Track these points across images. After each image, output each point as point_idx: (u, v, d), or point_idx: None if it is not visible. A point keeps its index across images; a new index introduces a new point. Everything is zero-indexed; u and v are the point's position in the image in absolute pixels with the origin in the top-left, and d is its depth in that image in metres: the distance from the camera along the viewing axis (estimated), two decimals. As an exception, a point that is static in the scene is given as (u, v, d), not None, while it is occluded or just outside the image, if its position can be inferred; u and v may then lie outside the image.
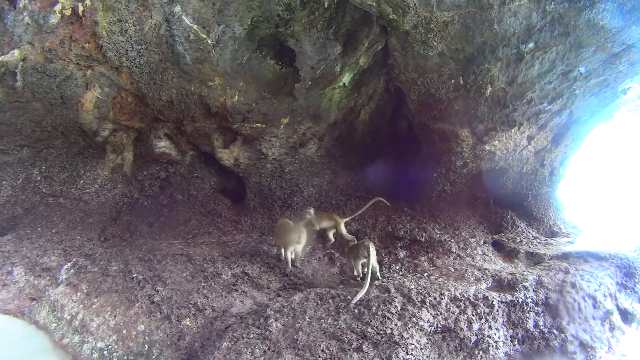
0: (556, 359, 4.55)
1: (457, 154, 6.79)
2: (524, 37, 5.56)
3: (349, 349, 3.99)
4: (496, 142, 6.72)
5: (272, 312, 4.43)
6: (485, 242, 6.62)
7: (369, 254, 4.95)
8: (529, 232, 7.11)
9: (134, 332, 4.67)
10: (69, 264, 5.83)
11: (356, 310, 4.40)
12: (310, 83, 6.27)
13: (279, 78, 6.28)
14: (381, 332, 4.16)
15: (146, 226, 6.99)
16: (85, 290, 5.32)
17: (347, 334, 4.11)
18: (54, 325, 5.05)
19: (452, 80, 6.09)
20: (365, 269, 4.99)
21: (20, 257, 5.89)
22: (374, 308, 4.41)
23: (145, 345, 4.53)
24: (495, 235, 6.82)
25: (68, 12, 5.98)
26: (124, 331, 4.71)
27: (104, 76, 6.42)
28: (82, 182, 7.33)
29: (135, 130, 7.36)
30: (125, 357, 4.50)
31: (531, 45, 5.62)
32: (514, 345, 4.60)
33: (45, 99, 6.46)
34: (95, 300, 5.17)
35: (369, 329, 4.16)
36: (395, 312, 4.38)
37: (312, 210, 6.32)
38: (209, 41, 5.77)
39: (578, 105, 6.53)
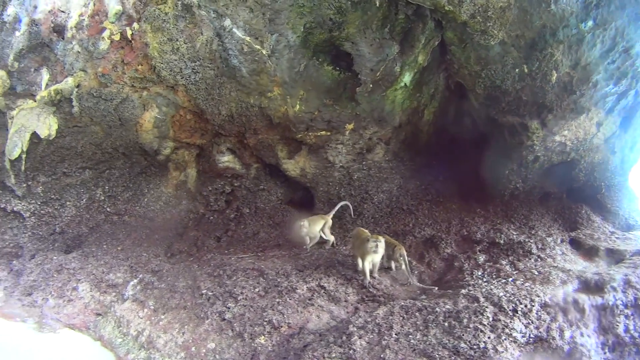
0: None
1: (528, 148, 6.43)
2: (582, 16, 5.38)
3: (441, 367, 3.71)
4: (566, 131, 6.41)
5: (355, 329, 4.15)
6: (562, 241, 6.21)
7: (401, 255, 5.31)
8: (606, 227, 6.69)
9: (204, 350, 4.50)
10: (135, 280, 5.83)
11: (446, 324, 4.09)
12: (371, 86, 6.08)
13: (338, 84, 6.16)
14: (474, 346, 3.84)
15: (213, 241, 6.93)
16: (152, 307, 5.26)
17: (439, 350, 3.80)
18: (120, 340, 5.01)
19: (517, 69, 5.87)
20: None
21: (85, 273, 5.98)
22: (465, 320, 4.08)
23: (217, 365, 4.30)
24: (571, 233, 6.40)
25: (117, 37, 6.14)
26: (193, 349, 4.56)
27: (160, 96, 6.51)
28: (146, 200, 7.41)
29: (197, 147, 7.40)
30: (194, 376, 4.28)
31: (590, 23, 5.43)
32: (604, 353, 4.25)
33: (103, 122, 6.64)
34: (163, 316, 5.08)
35: (462, 344, 3.84)
36: (487, 324, 4.05)
37: (306, 222, 6.10)
38: (264, 52, 5.70)
39: (643, 84, 6.18)
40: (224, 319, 4.79)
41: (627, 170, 7.14)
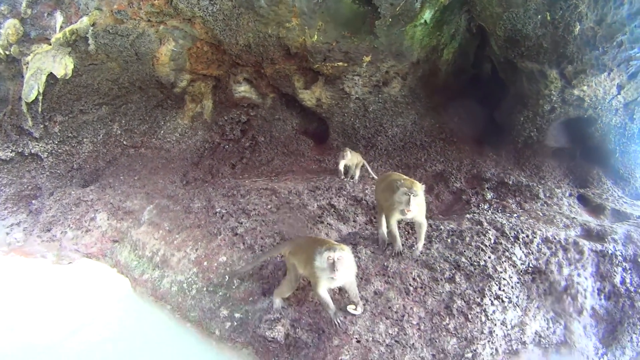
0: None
1: (545, 97, 6.32)
2: (609, -32, 5.14)
3: (441, 279, 3.83)
4: (585, 87, 6.26)
5: (362, 239, 4.29)
6: (570, 195, 6.17)
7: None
8: (615, 191, 6.57)
9: (215, 264, 4.63)
10: (151, 206, 5.96)
11: (449, 240, 4.21)
12: (390, 20, 6.01)
13: (357, 16, 6.08)
14: (475, 263, 3.95)
15: (228, 168, 7.06)
16: (167, 228, 5.38)
17: (440, 262, 3.94)
18: (135, 263, 5.16)
19: (539, 16, 5.75)
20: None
21: (103, 204, 6.11)
22: (467, 238, 4.19)
23: (226, 276, 4.48)
24: (580, 189, 6.36)
25: (132, -27, 6.04)
26: (205, 263, 4.69)
27: (177, 29, 6.53)
28: (162, 132, 7.53)
29: (214, 78, 7.47)
30: (205, 289, 4.45)
31: (618, -22, 5.19)
32: (600, 299, 4.29)
33: (119, 58, 6.69)
34: (177, 236, 5.20)
35: (463, 259, 3.97)
36: (489, 245, 4.15)
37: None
38: (283, -19, 5.69)
39: (670, 53, 5.93)
40: (236, 234, 4.91)
41: (645, 141, 6.95)
